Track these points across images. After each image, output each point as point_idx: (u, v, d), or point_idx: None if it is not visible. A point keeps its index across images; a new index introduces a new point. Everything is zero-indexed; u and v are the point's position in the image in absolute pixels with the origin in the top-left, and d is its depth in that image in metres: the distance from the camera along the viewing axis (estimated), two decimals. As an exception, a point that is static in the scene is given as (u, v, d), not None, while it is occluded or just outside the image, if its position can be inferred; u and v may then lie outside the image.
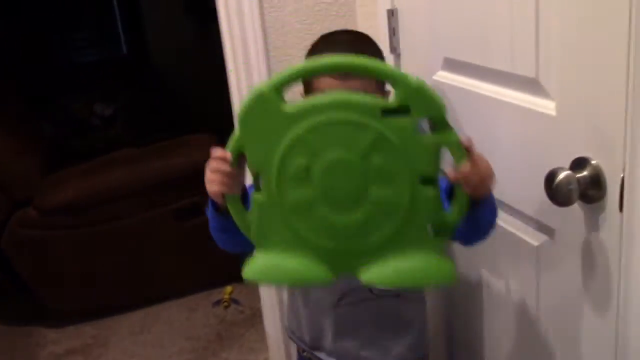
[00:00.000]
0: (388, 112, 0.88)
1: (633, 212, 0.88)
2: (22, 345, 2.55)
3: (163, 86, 4.02)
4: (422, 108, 0.88)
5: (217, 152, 0.99)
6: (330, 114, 0.90)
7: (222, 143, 1.95)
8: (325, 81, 1.08)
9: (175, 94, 3.93)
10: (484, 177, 0.96)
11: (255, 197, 0.97)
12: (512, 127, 1.12)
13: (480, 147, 1.23)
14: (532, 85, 1.05)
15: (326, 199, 0.93)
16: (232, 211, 1.01)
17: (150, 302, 2.74)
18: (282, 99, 0.90)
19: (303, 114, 0.90)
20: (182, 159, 2.60)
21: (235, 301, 2.69)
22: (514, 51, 1.08)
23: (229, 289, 2.72)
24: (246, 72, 1.57)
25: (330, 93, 0.95)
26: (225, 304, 2.68)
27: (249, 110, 0.91)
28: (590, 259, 1.00)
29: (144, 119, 3.44)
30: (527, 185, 1.09)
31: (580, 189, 0.94)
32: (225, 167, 0.97)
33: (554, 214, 1.05)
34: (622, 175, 0.88)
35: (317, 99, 0.94)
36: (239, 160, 0.96)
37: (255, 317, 2.49)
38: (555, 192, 0.93)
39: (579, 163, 0.96)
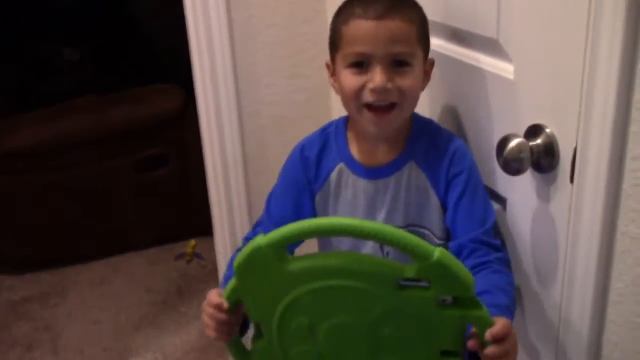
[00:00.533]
0: (407, 279, 0.77)
1: (583, 184, 0.85)
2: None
3: (136, 35, 3.89)
4: (444, 285, 0.76)
5: (212, 298, 0.89)
6: (337, 280, 0.79)
7: (189, 94, 1.88)
8: (357, 25, 0.96)
9: (148, 43, 3.81)
10: None
11: (256, 344, 0.89)
12: (470, 88, 1.08)
13: (438, 107, 1.20)
14: (492, 46, 1.01)
15: (330, 358, 0.86)
16: (232, 353, 0.94)
17: (112, 253, 2.70)
18: (283, 257, 0.80)
19: (306, 276, 0.80)
20: (146, 108, 2.53)
21: (198, 255, 2.66)
22: (475, 10, 1.03)
23: (192, 242, 2.69)
24: (204, 22, 1.50)
25: (340, 255, 0.84)
26: (188, 257, 2.65)
27: (245, 262, 0.81)
28: (540, 229, 0.98)
29: (113, 66, 3.34)
30: (481, 151, 1.06)
31: (533, 157, 0.91)
32: (221, 316, 0.88)
33: (506, 183, 1.02)
34: (574, 145, 0.85)
35: (324, 260, 0.82)
36: (237, 304, 0.88)
37: (217, 272, 2.46)
38: (506, 159, 0.90)
39: (534, 131, 0.92)
